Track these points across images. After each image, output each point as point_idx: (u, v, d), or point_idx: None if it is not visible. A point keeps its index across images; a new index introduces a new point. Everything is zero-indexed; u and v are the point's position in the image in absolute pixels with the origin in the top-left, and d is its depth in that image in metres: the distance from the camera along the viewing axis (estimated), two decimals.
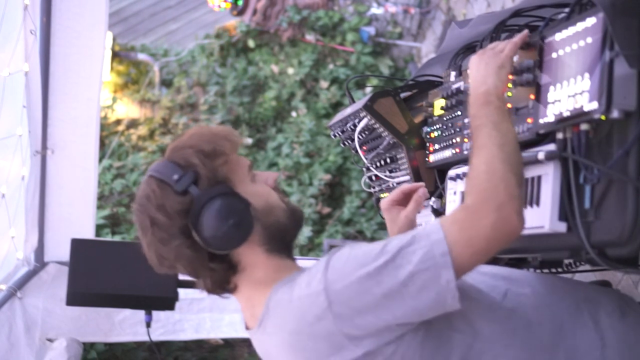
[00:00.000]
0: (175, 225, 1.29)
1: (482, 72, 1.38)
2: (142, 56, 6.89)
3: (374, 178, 2.07)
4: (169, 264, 1.34)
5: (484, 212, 1.18)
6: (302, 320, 1.23)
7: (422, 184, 1.63)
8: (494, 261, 1.67)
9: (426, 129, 1.86)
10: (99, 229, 4.36)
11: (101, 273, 2.42)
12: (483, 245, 1.19)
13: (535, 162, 1.36)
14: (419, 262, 1.18)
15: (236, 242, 1.30)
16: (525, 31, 1.44)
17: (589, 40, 1.25)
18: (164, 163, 1.33)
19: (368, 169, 2.05)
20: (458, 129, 1.70)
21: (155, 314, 2.59)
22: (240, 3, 6.08)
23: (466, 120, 1.66)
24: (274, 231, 1.35)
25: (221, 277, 1.34)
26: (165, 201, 1.29)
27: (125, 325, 2.91)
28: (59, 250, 2.78)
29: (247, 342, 4.22)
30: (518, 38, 1.43)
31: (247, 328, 1.41)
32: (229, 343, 4.24)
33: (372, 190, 2.15)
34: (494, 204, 1.18)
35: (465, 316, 1.27)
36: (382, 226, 5.35)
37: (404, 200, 1.61)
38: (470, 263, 1.20)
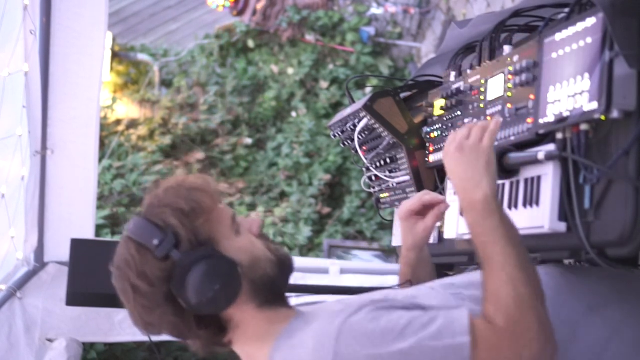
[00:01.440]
0: (159, 292, 1.23)
1: (470, 174, 1.28)
2: (142, 56, 6.89)
3: (373, 178, 2.07)
4: (155, 330, 1.29)
5: (515, 343, 1.15)
6: None
7: (443, 198, 1.56)
8: None
9: (426, 129, 1.86)
10: (99, 229, 4.35)
11: (101, 273, 2.40)
12: None
13: (535, 162, 1.36)
14: (439, 359, 1.13)
15: (224, 305, 1.25)
16: (499, 119, 1.35)
17: (589, 40, 1.25)
18: (141, 223, 1.26)
19: (368, 169, 2.05)
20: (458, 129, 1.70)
21: None
22: None
23: (466, 120, 1.66)
24: (262, 285, 1.28)
25: (212, 340, 1.29)
26: (145, 268, 1.24)
27: (125, 325, 2.91)
28: (59, 250, 2.78)
29: None
30: (493, 124, 1.33)
31: None
32: None
33: (372, 190, 2.15)
34: (527, 338, 1.15)
35: None
36: (382, 226, 5.35)
37: (423, 210, 1.55)
38: None
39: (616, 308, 1.36)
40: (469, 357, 1.14)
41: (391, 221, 2.16)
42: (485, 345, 1.15)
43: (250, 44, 6.45)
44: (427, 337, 1.15)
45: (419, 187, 1.88)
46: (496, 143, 1.52)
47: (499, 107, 1.52)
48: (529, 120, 1.41)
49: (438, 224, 1.71)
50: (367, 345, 1.15)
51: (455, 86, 1.70)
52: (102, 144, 5.58)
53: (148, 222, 1.25)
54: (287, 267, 1.34)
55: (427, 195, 1.55)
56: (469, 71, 1.69)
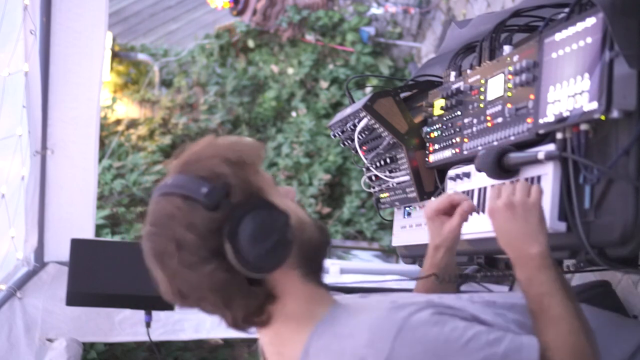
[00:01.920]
0: (208, 246, 1.10)
1: (525, 230, 1.25)
2: (142, 56, 6.89)
3: (373, 178, 2.07)
4: (198, 296, 1.14)
5: None
6: None
7: (466, 197, 1.49)
8: (493, 260, 1.67)
9: (426, 129, 1.86)
10: (99, 229, 4.35)
11: (101, 273, 2.42)
12: None
13: (535, 162, 1.36)
14: None
15: (279, 262, 1.13)
16: (541, 188, 1.32)
17: (589, 40, 1.25)
18: (180, 178, 1.14)
19: (368, 169, 2.05)
20: (458, 129, 1.70)
21: (155, 314, 2.59)
22: None
23: (466, 120, 1.66)
24: (308, 250, 1.19)
25: (258, 306, 1.16)
26: (194, 219, 1.10)
27: (125, 325, 2.91)
28: (59, 250, 2.78)
29: (247, 342, 4.22)
30: (537, 187, 1.30)
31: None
32: (228, 343, 4.24)
33: (372, 190, 2.15)
34: None
35: None
36: (382, 226, 5.35)
37: (451, 210, 1.47)
38: None
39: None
40: None
41: (391, 221, 2.16)
42: None
43: (250, 44, 6.45)
44: (492, 356, 1.10)
45: (419, 187, 1.88)
46: (496, 143, 1.52)
47: (499, 107, 1.52)
48: (529, 120, 1.41)
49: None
50: (429, 349, 1.09)
51: (455, 86, 1.70)
52: (102, 144, 5.58)
53: (189, 176, 1.13)
54: (327, 235, 1.24)
55: (456, 195, 1.48)
56: (469, 71, 1.69)
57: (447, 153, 1.75)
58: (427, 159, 1.85)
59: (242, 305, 1.15)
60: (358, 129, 1.93)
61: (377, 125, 1.88)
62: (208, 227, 1.10)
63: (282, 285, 1.17)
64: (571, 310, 1.19)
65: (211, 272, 1.11)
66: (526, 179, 1.41)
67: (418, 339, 1.09)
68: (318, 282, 1.22)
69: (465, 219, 1.46)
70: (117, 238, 4.62)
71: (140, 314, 2.58)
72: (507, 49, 1.56)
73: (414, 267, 2.13)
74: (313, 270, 1.21)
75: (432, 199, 1.80)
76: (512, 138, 1.46)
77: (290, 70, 6.23)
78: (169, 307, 2.49)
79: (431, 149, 1.83)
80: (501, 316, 1.26)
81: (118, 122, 6.10)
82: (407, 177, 1.91)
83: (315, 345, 1.15)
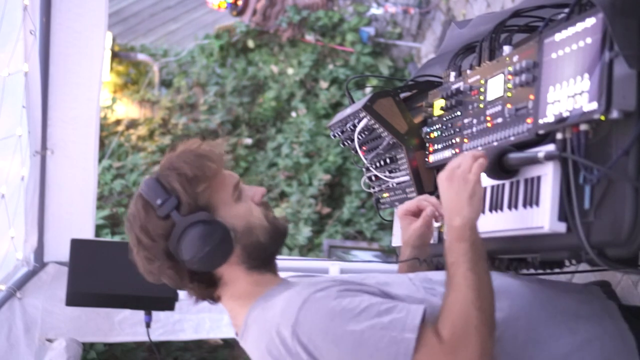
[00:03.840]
0: (158, 247, 1.37)
1: (454, 201, 1.38)
2: (141, 56, 6.89)
3: (373, 178, 2.07)
4: (155, 278, 1.43)
5: (456, 356, 1.23)
6: (270, 342, 1.31)
7: (435, 203, 1.68)
8: (494, 261, 1.67)
9: (426, 129, 1.86)
10: (98, 229, 4.36)
11: (101, 273, 2.42)
12: None
13: (535, 162, 1.36)
14: (383, 348, 1.23)
15: (214, 265, 1.38)
16: (483, 153, 1.42)
17: (589, 40, 1.25)
18: (151, 183, 1.39)
19: (368, 169, 2.05)
20: (458, 129, 1.70)
21: (155, 314, 2.59)
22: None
23: (466, 121, 1.66)
24: (253, 251, 1.41)
25: (203, 292, 1.44)
26: (148, 224, 1.37)
27: (124, 325, 2.91)
28: (59, 250, 2.78)
29: None
30: (482, 157, 1.40)
31: (235, 334, 1.50)
32: (228, 343, 4.23)
33: (371, 190, 2.15)
34: (465, 357, 1.23)
35: None
36: (382, 226, 5.35)
37: (418, 212, 1.70)
38: None
39: (587, 326, 1.41)
40: (410, 356, 1.22)
41: (391, 221, 2.16)
42: (426, 352, 1.23)
43: (250, 44, 6.45)
44: (378, 325, 1.24)
45: (419, 187, 1.88)
46: (496, 143, 1.52)
47: (499, 108, 1.52)
48: (529, 120, 1.41)
49: (437, 224, 1.75)
50: (325, 319, 1.26)
51: (455, 86, 1.70)
52: (102, 144, 5.59)
53: (157, 183, 1.38)
54: (280, 236, 1.46)
55: (424, 201, 1.70)
56: (468, 71, 1.69)
57: (447, 153, 1.75)
58: (427, 159, 1.85)
59: (191, 288, 1.43)
60: (358, 129, 1.93)
61: (377, 126, 1.88)
62: (158, 233, 1.37)
63: (229, 276, 1.41)
64: (470, 281, 1.28)
65: (161, 266, 1.39)
66: (526, 180, 1.41)
67: (317, 309, 1.28)
68: (264, 270, 1.43)
69: (427, 222, 1.68)
70: (117, 238, 4.62)
71: (140, 314, 2.58)
72: (507, 49, 1.56)
73: None
74: (258, 264, 1.42)
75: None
76: (512, 138, 1.46)
77: (290, 71, 6.23)
78: (168, 307, 2.50)
79: (431, 149, 1.83)
80: (430, 290, 1.40)
81: (118, 122, 6.10)
82: (407, 177, 1.91)
83: (251, 316, 1.39)
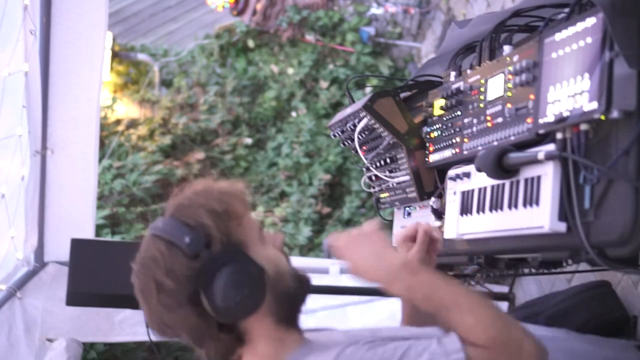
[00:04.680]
0: (184, 292, 1.21)
1: (376, 248, 1.29)
2: (142, 56, 6.88)
3: (373, 178, 2.07)
4: (173, 333, 1.27)
5: (503, 352, 1.18)
6: None
7: (429, 229, 1.55)
8: (493, 260, 1.67)
9: (426, 129, 1.86)
10: (99, 229, 4.35)
11: (101, 273, 2.42)
12: None
13: (535, 162, 1.36)
14: None
15: (248, 312, 1.23)
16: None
17: (589, 40, 1.25)
18: (170, 222, 1.24)
19: (368, 169, 2.05)
20: (458, 129, 1.70)
21: None
22: None
23: (466, 120, 1.66)
24: (284, 300, 1.27)
25: (227, 348, 1.27)
26: (174, 265, 1.21)
27: (125, 325, 2.91)
28: (59, 250, 2.78)
29: None
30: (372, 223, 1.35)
31: None
32: None
33: (372, 190, 2.15)
34: (509, 343, 1.18)
35: None
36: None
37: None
38: None
39: None
40: None
41: (391, 221, 2.16)
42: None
43: (250, 44, 6.45)
44: None
45: (419, 187, 1.88)
46: (496, 143, 1.52)
47: (499, 107, 1.52)
48: (529, 120, 1.41)
49: (438, 223, 1.73)
50: None
51: (455, 86, 1.70)
52: (102, 144, 5.58)
53: (178, 221, 1.23)
54: (307, 287, 1.33)
55: (420, 227, 1.55)
56: (469, 71, 1.69)
57: (447, 153, 1.75)
58: (427, 159, 1.85)
59: (213, 346, 1.26)
60: (358, 129, 1.93)
61: (377, 125, 1.88)
62: (186, 275, 1.20)
63: (255, 329, 1.26)
64: (459, 291, 1.23)
65: (185, 315, 1.22)
66: (526, 179, 1.41)
67: None
68: (291, 326, 1.30)
69: (423, 244, 1.51)
70: (117, 238, 4.62)
71: (140, 314, 2.56)
72: (507, 49, 1.56)
73: None
74: (287, 317, 1.29)
75: (433, 198, 1.81)
76: (512, 138, 1.46)
77: (290, 70, 6.23)
78: None
79: (431, 149, 1.83)
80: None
81: (118, 122, 6.09)
82: (407, 177, 1.91)
83: None
